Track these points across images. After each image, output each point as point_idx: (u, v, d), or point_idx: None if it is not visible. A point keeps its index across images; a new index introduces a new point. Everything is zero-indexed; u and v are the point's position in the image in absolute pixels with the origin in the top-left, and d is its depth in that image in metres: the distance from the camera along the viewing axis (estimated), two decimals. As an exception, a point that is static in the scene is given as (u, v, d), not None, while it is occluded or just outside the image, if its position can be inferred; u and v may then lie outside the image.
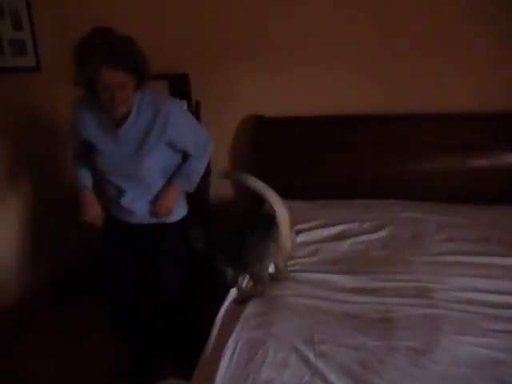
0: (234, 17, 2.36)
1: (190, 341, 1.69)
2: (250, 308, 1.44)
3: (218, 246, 1.63)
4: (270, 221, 1.48)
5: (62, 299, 2.39)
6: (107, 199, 1.69)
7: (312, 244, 1.86)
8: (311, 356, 1.19)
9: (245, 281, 1.62)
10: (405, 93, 2.33)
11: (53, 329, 2.20)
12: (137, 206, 1.62)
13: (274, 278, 1.59)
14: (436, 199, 2.24)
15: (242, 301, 1.49)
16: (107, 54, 1.32)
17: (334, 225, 1.99)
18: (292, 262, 1.71)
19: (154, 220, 1.64)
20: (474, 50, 2.21)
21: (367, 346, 1.23)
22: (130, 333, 1.84)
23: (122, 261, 1.69)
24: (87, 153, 1.67)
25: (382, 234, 1.92)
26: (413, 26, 2.23)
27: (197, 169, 1.68)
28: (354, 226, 1.99)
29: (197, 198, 1.85)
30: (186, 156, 1.67)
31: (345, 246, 1.85)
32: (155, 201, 1.61)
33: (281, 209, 1.48)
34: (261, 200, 1.53)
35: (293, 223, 1.99)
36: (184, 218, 1.72)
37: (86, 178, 1.70)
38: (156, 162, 1.56)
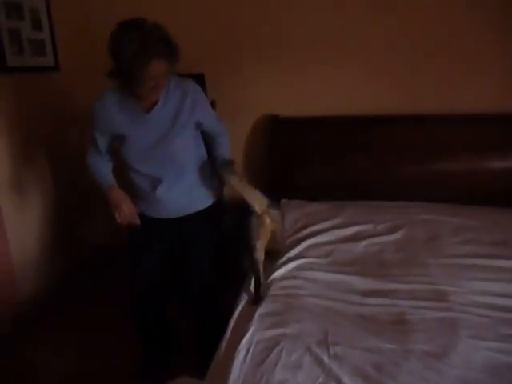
0: (248, 18, 2.37)
1: (208, 337, 1.69)
2: (265, 308, 1.44)
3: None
4: (249, 212, 1.56)
5: (70, 298, 2.40)
6: (137, 195, 1.70)
7: (326, 245, 1.85)
8: (325, 357, 1.19)
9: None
10: (418, 93, 2.31)
11: (58, 327, 2.20)
12: (172, 196, 1.65)
13: (273, 251, 1.66)
14: (452, 201, 2.20)
15: (255, 302, 1.49)
16: (155, 46, 1.35)
17: (348, 226, 1.98)
18: (307, 260, 1.72)
19: (187, 211, 1.69)
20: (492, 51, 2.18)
21: (382, 348, 1.23)
22: (149, 323, 1.83)
23: (151, 252, 1.71)
24: (109, 152, 1.70)
25: (397, 235, 1.90)
26: (427, 27, 2.21)
27: (228, 142, 1.80)
28: (369, 227, 1.97)
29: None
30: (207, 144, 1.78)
31: (359, 247, 1.83)
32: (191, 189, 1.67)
33: (253, 197, 1.57)
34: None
35: (307, 224, 2.01)
36: (213, 205, 1.77)
37: (109, 178, 1.70)
38: (187, 142, 1.63)
